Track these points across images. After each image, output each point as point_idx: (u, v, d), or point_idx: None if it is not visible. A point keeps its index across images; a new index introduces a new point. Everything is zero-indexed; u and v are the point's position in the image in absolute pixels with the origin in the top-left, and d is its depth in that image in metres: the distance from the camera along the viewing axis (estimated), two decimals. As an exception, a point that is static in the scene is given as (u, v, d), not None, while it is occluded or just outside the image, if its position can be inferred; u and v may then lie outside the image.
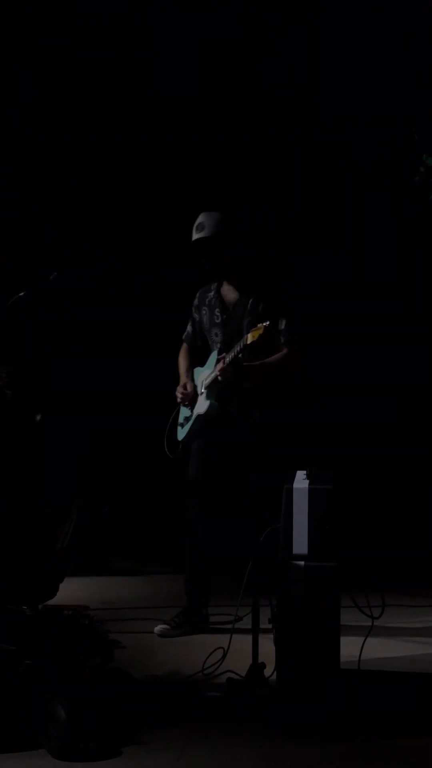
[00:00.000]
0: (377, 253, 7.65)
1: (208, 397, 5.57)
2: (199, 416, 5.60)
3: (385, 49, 7.41)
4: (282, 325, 5.50)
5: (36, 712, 3.97)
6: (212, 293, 5.74)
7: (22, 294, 4.81)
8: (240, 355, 5.38)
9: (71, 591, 5.70)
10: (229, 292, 5.70)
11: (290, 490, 4.62)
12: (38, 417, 4.45)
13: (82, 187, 7.77)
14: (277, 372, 5.51)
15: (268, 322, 5.21)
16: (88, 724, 3.95)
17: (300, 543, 4.58)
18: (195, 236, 5.59)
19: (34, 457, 4.40)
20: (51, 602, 4.53)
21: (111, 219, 7.80)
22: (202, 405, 5.60)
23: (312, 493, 4.59)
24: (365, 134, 7.56)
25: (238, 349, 5.37)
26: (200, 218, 5.60)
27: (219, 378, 5.45)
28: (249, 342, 5.25)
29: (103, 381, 7.55)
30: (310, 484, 4.61)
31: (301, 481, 4.64)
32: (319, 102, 7.61)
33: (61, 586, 4.50)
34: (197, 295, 5.84)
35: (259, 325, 5.23)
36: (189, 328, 5.89)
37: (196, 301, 5.83)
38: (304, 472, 4.68)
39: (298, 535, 4.59)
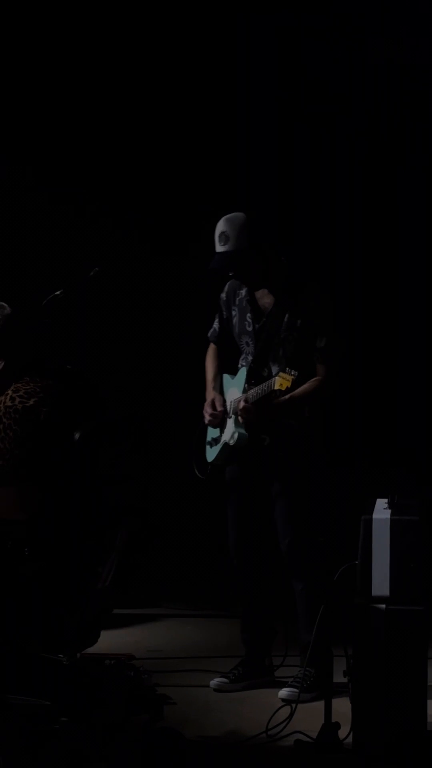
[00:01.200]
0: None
1: (236, 425, 5.34)
2: (226, 444, 5.40)
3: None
4: (322, 342, 5.25)
5: None
6: (244, 292, 5.46)
7: (57, 293, 4.48)
8: (264, 396, 5.20)
9: (114, 637, 5.73)
10: (263, 296, 5.40)
11: (369, 522, 4.36)
12: (77, 436, 4.23)
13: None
14: (310, 400, 5.29)
15: (296, 374, 5.02)
16: None
17: (381, 583, 4.34)
18: (219, 249, 5.30)
19: (70, 482, 4.20)
20: (91, 650, 4.42)
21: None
22: (229, 433, 5.38)
23: (395, 524, 4.33)
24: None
25: (264, 391, 5.18)
26: (221, 226, 5.31)
27: (240, 420, 5.28)
28: (275, 388, 5.07)
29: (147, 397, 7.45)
30: (392, 515, 4.35)
31: (381, 511, 4.39)
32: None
33: (103, 631, 4.38)
34: (225, 288, 5.54)
35: (287, 375, 5.02)
36: (216, 324, 5.62)
37: (223, 296, 5.55)
38: (385, 500, 4.44)
39: (379, 575, 4.35)
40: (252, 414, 5.20)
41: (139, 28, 7.78)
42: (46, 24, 7.66)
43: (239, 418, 5.27)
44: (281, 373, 4.99)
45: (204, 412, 5.46)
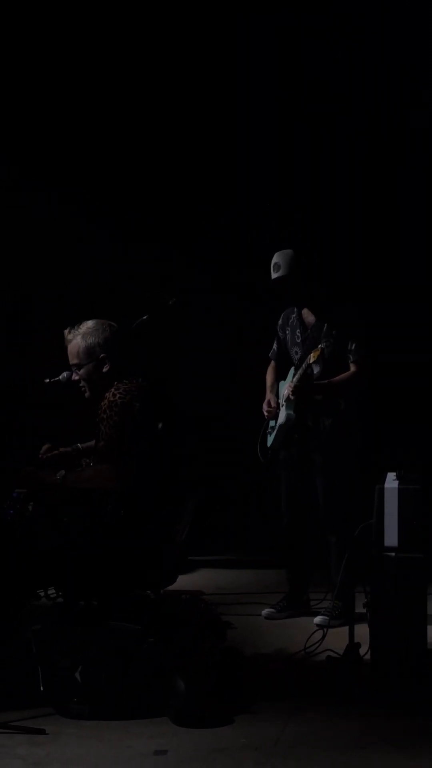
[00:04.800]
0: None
1: (287, 408, 5.62)
2: (281, 426, 5.65)
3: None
4: (352, 346, 5.55)
5: (159, 684, 4.06)
6: (295, 315, 5.78)
7: (145, 317, 4.91)
8: (307, 372, 5.49)
9: (188, 578, 5.91)
10: (308, 315, 5.73)
11: (382, 490, 4.64)
12: (159, 425, 4.54)
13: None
14: (344, 388, 5.55)
15: (323, 344, 5.40)
16: (204, 696, 4.01)
17: (391, 537, 4.58)
18: (273, 276, 5.62)
19: (155, 460, 4.47)
20: (171, 588, 4.62)
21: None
22: (282, 416, 5.65)
23: (401, 492, 4.60)
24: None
25: (304, 367, 5.48)
26: (275, 258, 5.62)
27: (291, 396, 5.53)
28: (311, 361, 5.40)
29: (212, 397, 7.46)
30: (399, 485, 4.62)
31: (391, 481, 4.67)
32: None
33: (180, 574, 4.62)
34: (281, 316, 5.88)
35: (316, 348, 5.40)
36: (275, 346, 5.94)
37: (280, 322, 5.88)
38: (395, 473, 4.70)
39: (389, 530, 4.59)
40: (299, 391, 5.48)
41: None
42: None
43: (290, 396, 5.50)
44: (313, 350, 5.39)
45: (263, 409, 5.77)
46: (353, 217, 7.37)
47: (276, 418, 5.72)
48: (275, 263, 5.60)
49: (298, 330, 5.73)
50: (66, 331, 4.65)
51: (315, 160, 7.43)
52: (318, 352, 5.38)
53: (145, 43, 7.33)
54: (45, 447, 4.79)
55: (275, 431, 5.70)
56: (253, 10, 7.24)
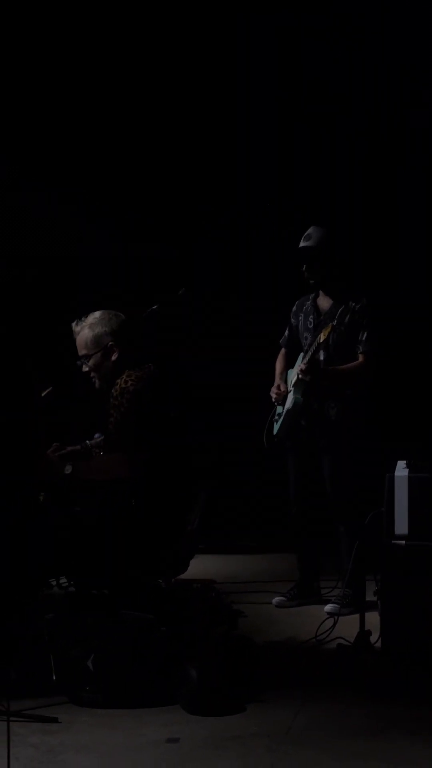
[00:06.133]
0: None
1: (294, 393, 5.56)
2: (288, 411, 5.58)
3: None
4: (363, 336, 5.50)
5: (171, 672, 4.03)
6: (309, 302, 5.73)
7: (155, 307, 4.87)
8: (316, 355, 5.43)
9: (200, 567, 5.76)
10: (323, 302, 5.67)
11: (392, 478, 4.60)
12: (172, 414, 4.49)
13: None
14: (351, 377, 5.50)
15: (335, 321, 5.36)
16: (216, 684, 3.98)
17: (401, 525, 4.56)
18: (302, 244, 5.59)
19: (167, 448, 4.42)
20: (182, 577, 4.60)
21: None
22: (289, 401, 5.59)
23: (411, 480, 4.57)
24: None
25: (315, 347, 5.43)
26: (310, 229, 5.61)
27: (300, 376, 5.47)
28: (322, 340, 5.34)
29: (220, 381, 7.36)
30: (409, 473, 4.59)
31: (401, 469, 4.63)
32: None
33: (191, 562, 4.57)
34: (296, 303, 5.82)
35: (327, 326, 5.35)
36: (286, 333, 5.88)
37: (294, 308, 5.82)
38: (404, 462, 4.66)
39: (399, 518, 4.57)
40: (309, 372, 5.39)
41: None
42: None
43: (299, 376, 5.42)
44: (323, 328, 5.35)
45: (271, 393, 5.69)
46: (353, 217, 7.30)
47: (283, 404, 5.66)
48: (308, 233, 5.59)
49: (311, 316, 5.67)
50: (74, 324, 4.61)
51: (315, 160, 7.37)
52: (329, 329, 5.33)
53: (145, 42, 7.25)
54: (54, 446, 4.71)
55: (282, 418, 5.63)
56: (253, 10, 7.17)
